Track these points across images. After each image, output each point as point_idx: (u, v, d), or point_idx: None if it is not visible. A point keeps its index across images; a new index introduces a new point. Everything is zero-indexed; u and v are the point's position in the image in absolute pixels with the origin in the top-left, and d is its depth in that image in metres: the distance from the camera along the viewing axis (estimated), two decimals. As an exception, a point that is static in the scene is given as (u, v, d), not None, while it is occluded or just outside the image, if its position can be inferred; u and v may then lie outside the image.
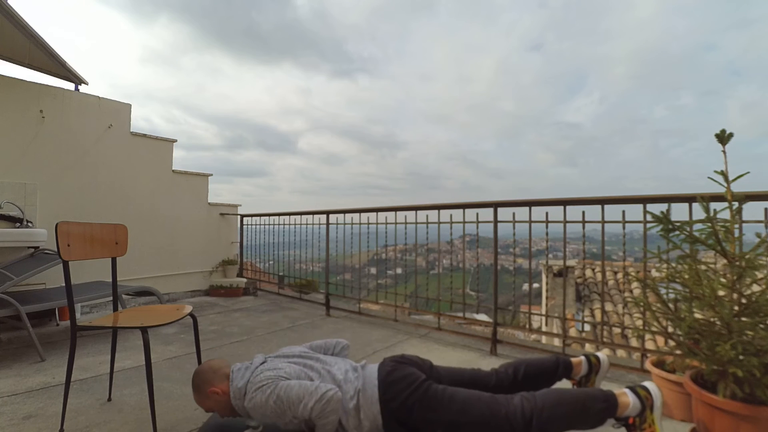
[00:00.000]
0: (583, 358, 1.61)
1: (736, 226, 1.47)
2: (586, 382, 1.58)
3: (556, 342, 2.85)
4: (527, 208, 2.58)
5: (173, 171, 4.45)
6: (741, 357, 1.23)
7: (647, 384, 1.40)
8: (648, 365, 1.80)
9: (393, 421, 1.30)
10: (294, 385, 1.25)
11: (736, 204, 1.45)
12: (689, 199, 1.89)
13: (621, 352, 4.05)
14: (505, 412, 1.24)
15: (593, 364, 1.60)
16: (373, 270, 3.79)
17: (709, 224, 1.42)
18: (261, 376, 1.31)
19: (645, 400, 1.34)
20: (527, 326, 2.91)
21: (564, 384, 1.53)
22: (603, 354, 1.65)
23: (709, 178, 1.49)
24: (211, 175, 4.88)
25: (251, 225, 5.19)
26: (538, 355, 2.48)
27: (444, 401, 1.29)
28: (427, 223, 3.15)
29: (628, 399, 1.33)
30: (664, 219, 1.51)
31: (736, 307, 1.35)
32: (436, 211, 3.11)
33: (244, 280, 4.81)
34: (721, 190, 1.48)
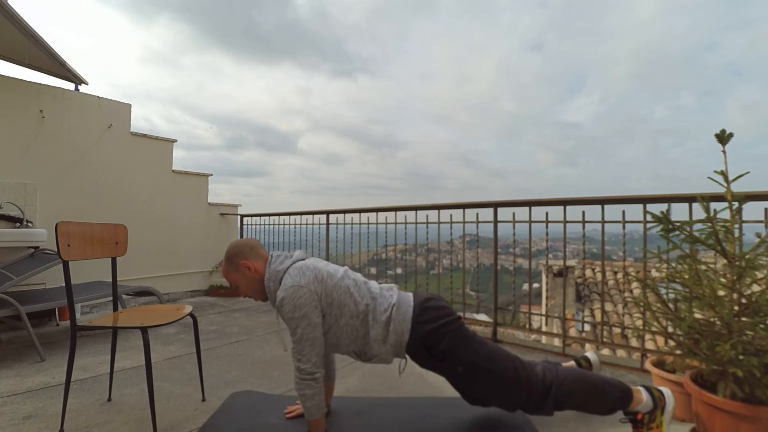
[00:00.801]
0: (573, 363, 1.60)
1: (736, 226, 1.47)
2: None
3: (556, 342, 2.85)
4: (527, 208, 2.58)
5: (173, 171, 4.45)
6: (741, 357, 1.23)
7: (662, 388, 1.43)
8: (648, 365, 1.80)
9: (420, 344, 1.30)
10: (314, 341, 1.24)
11: (736, 204, 1.45)
12: (689, 199, 1.90)
13: (621, 352, 4.05)
14: (527, 374, 1.27)
15: (584, 367, 1.59)
16: (373, 270, 3.79)
17: (709, 224, 1.42)
18: (303, 281, 1.26)
19: (658, 400, 1.37)
20: (527, 326, 2.91)
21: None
22: (592, 354, 1.64)
23: (709, 178, 1.49)
24: (211, 175, 4.88)
25: (251, 225, 5.19)
26: (537, 355, 2.48)
27: (474, 343, 1.31)
28: (427, 223, 3.15)
29: (642, 396, 1.37)
30: (664, 219, 1.51)
31: (736, 307, 1.35)
32: (436, 211, 3.11)
33: (244, 280, 4.81)
34: (721, 190, 1.48)
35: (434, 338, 1.29)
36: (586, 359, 1.61)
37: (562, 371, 1.31)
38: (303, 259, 1.39)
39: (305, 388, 1.22)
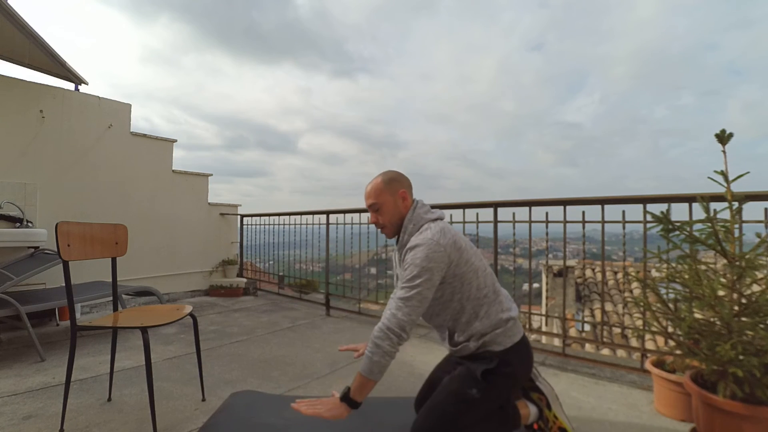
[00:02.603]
0: (524, 402, 1.46)
1: (736, 226, 1.47)
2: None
3: (556, 342, 2.85)
4: (527, 208, 2.58)
5: (173, 171, 4.45)
6: (741, 357, 1.23)
7: (539, 383, 1.44)
8: (648, 365, 1.80)
9: (497, 358, 1.25)
10: (423, 300, 1.19)
11: (736, 204, 1.45)
12: (689, 199, 1.90)
13: (621, 352, 4.05)
14: None
15: (535, 399, 1.46)
16: (373, 270, 3.79)
17: (709, 224, 1.43)
18: (444, 240, 1.21)
19: (539, 401, 1.40)
20: (527, 326, 2.91)
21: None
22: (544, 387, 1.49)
23: (709, 178, 1.49)
24: (211, 175, 4.88)
25: (251, 225, 5.19)
26: (537, 355, 2.48)
27: (504, 400, 1.31)
28: (427, 223, 3.15)
29: (527, 409, 1.39)
30: (664, 219, 1.51)
31: (736, 307, 1.35)
32: (436, 211, 3.11)
33: (244, 280, 4.82)
34: (721, 190, 1.48)
35: (505, 371, 1.25)
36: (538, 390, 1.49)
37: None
38: (442, 218, 1.37)
39: (384, 339, 1.14)
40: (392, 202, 1.34)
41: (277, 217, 4.80)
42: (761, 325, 1.27)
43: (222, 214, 5.01)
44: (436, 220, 1.32)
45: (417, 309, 1.18)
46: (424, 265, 1.18)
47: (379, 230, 1.42)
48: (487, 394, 1.25)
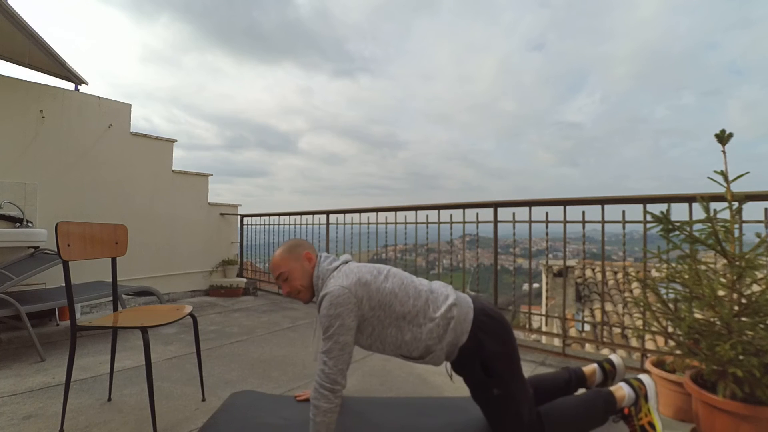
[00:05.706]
0: (596, 366, 1.56)
1: (736, 226, 1.47)
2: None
3: (556, 342, 2.85)
4: (527, 208, 2.58)
5: (173, 171, 4.45)
6: (741, 357, 1.23)
7: (641, 376, 1.44)
8: (648, 365, 1.80)
9: (476, 352, 1.25)
10: (344, 345, 1.18)
11: (736, 204, 1.45)
12: (689, 199, 1.90)
13: (621, 352, 4.05)
14: (533, 418, 1.25)
15: (608, 370, 1.56)
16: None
17: (709, 224, 1.43)
18: (347, 282, 1.23)
19: (638, 389, 1.39)
20: (527, 326, 2.91)
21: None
22: (617, 356, 1.60)
23: (709, 178, 1.49)
24: (211, 175, 4.88)
25: (251, 225, 5.19)
26: (537, 355, 2.48)
27: (518, 368, 1.29)
28: (427, 223, 3.15)
29: (623, 391, 1.39)
30: (664, 219, 1.51)
31: (736, 307, 1.35)
32: (436, 211, 3.11)
33: (244, 280, 4.81)
34: (721, 190, 1.48)
35: (491, 353, 1.25)
36: (610, 362, 1.57)
37: (545, 411, 1.29)
38: (347, 262, 1.38)
39: (320, 398, 1.15)
40: (299, 267, 1.35)
41: (277, 217, 4.81)
42: (761, 325, 1.27)
43: (222, 214, 5.01)
44: (339, 266, 1.33)
45: (340, 357, 1.17)
46: (332, 313, 1.18)
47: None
48: (504, 378, 1.25)
